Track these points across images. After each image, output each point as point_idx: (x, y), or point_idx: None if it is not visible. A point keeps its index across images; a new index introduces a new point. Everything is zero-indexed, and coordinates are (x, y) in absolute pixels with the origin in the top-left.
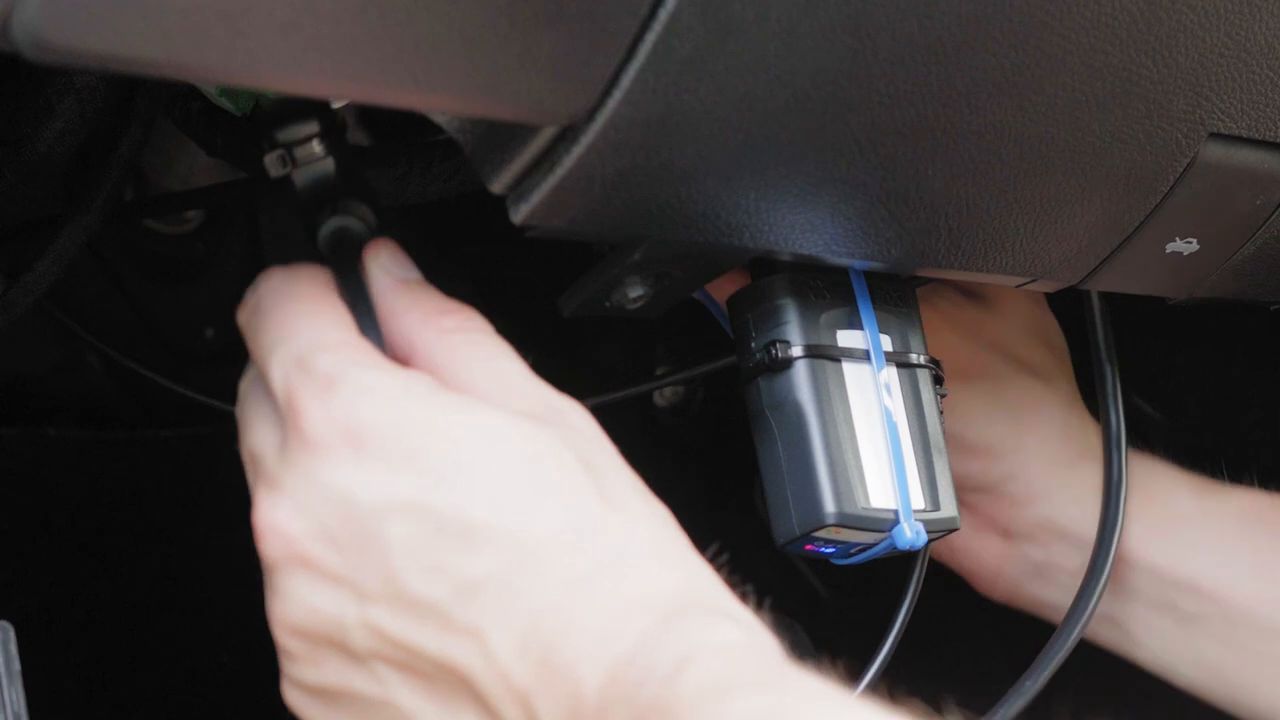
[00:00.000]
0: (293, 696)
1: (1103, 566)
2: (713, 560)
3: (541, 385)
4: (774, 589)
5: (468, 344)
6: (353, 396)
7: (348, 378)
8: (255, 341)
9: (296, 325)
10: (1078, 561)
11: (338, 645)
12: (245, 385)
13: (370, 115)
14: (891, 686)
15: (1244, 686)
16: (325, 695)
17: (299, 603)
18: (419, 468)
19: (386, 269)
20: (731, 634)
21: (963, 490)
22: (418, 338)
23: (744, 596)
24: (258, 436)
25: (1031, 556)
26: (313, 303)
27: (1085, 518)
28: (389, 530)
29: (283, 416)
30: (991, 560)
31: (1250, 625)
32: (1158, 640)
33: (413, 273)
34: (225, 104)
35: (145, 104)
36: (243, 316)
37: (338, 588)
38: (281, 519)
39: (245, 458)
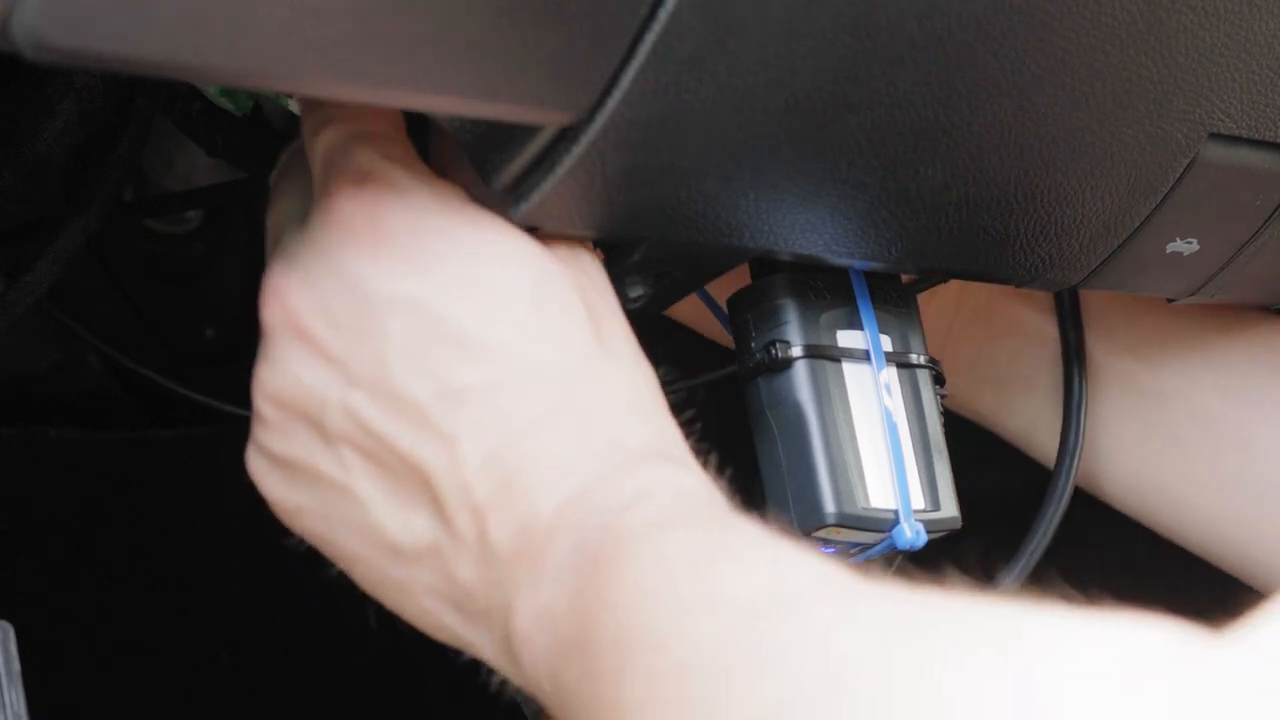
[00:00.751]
0: (255, 463)
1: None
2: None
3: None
4: None
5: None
6: (384, 192)
7: (384, 173)
8: (309, 117)
9: (351, 110)
10: None
11: (313, 422)
12: (286, 156)
13: None
14: None
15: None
16: (287, 468)
17: (286, 372)
18: (432, 272)
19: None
20: (689, 481)
21: None
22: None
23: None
24: (285, 207)
25: None
26: (359, 115)
27: None
28: (390, 323)
29: (315, 194)
30: None
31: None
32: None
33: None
34: (225, 104)
35: (145, 104)
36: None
37: (327, 366)
38: (289, 288)
39: (269, 226)
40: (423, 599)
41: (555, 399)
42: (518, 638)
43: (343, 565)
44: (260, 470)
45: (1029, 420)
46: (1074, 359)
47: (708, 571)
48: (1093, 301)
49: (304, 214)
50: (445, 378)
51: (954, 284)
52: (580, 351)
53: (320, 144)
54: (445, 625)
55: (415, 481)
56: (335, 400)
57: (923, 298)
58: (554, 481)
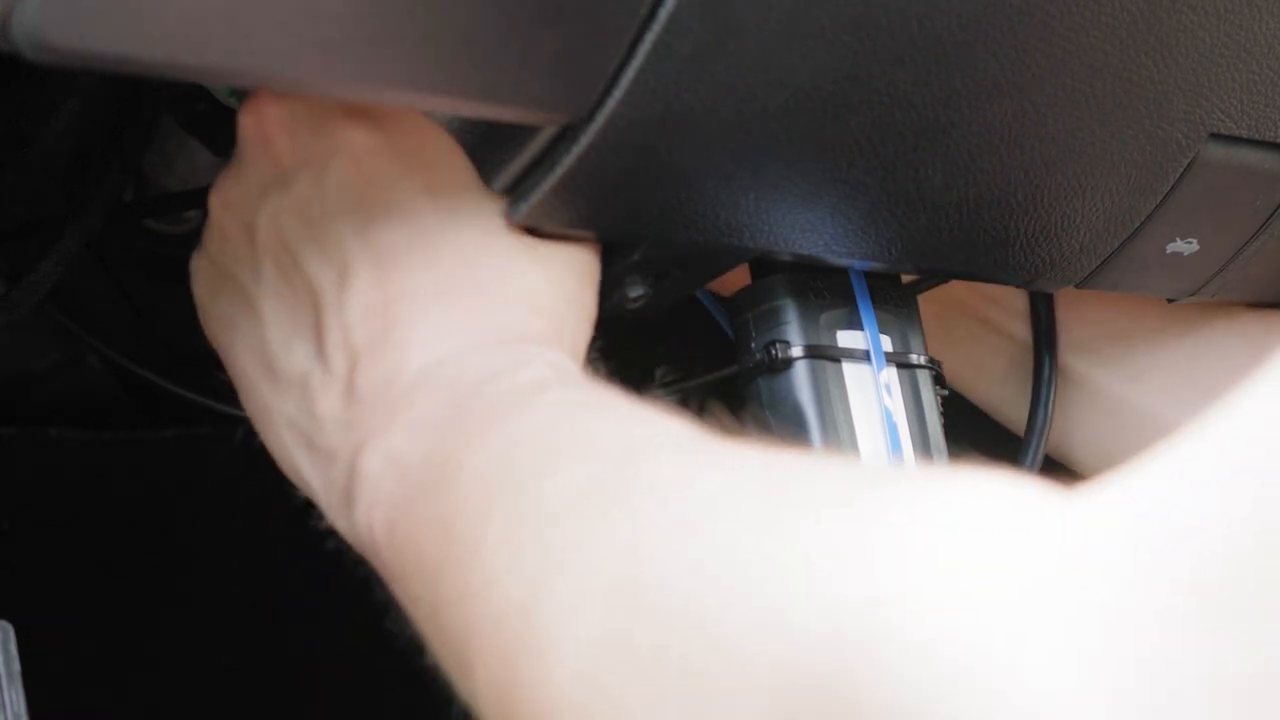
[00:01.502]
0: (196, 264)
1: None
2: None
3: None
4: None
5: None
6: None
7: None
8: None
9: None
10: None
11: (247, 229)
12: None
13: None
14: None
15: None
16: (217, 272)
17: (240, 178)
18: (393, 134)
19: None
20: (566, 362)
21: None
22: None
23: None
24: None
25: None
26: None
27: None
28: (340, 158)
29: None
30: None
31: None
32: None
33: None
34: (234, 104)
35: (148, 104)
36: None
37: (274, 176)
38: (269, 101)
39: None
40: (282, 430)
41: (460, 275)
42: (360, 477)
43: (231, 376)
44: (198, 272)
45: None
46: (1045, 360)
47: (579, 423)
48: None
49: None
50: (367, 223)
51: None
52: (500, 243)
53: None
54: (294, 461)
55: (308, 307)
56: (269, 210)
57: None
58: (432, 342)
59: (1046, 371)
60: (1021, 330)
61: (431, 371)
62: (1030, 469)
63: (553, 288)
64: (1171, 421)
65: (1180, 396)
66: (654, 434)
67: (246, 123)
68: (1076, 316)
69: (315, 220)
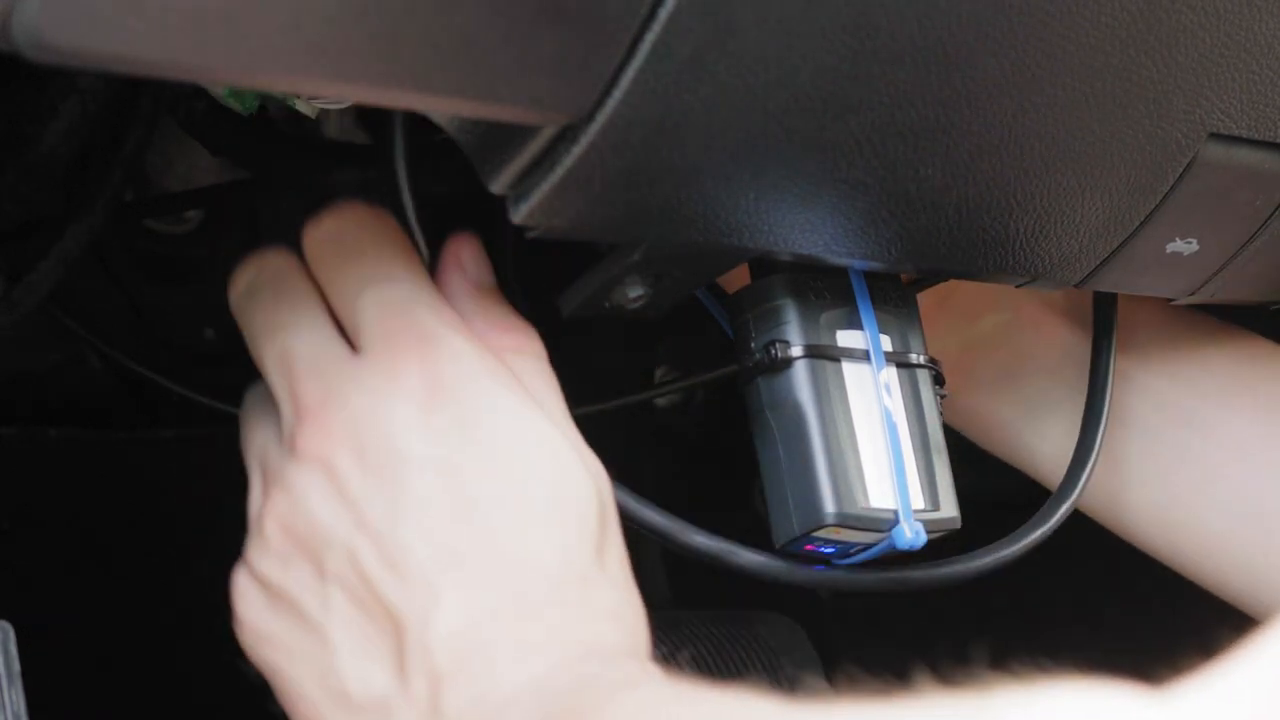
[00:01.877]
0: (242, 581)
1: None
2: None
3: (573, 429)
4: (774, 589)
5: (517, 368)
6: (447, 356)
7: (445, 338)
8: (342, 270)
9: (392, 269)
10: None
11: (313, 557)
12: (252, 393)
13: (369, 114)
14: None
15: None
16: (272, 595)
17: (303, 503)
18: (468, 446)
19: (464, 268)
20: (648, 668)
21: None
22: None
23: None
24: (261, 436)
25: None
26: (398, 248)
27: None
28: (416, 480)
29: (364, 344)
30: None
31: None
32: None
33: (488, 277)
34: (232, 104)
35: (149, 104)
36: (313, 248)
37: (342, 504)
38: (333, 420)
39: (249, 455)
40: None
41: (542, 592)
42: None
43: (285, 699)
44: (243, 588)
45: (1047, 442)
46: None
47: (672, 713)
48: (1126, 320)
49: (344, 353)
50: (447, 541)
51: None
52: (578, 560)
53: (370, 303)
54: None
55: (388, 632)
56: (342, 541)
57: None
58: (520, 661)
59: (1104, 367)
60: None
61: (523, 687)
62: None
63: (628, 600)
64: (1218, 424)
65: (1230, 400)
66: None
67: (308, 442)
68: (1125, 316)
69: (394, 547)
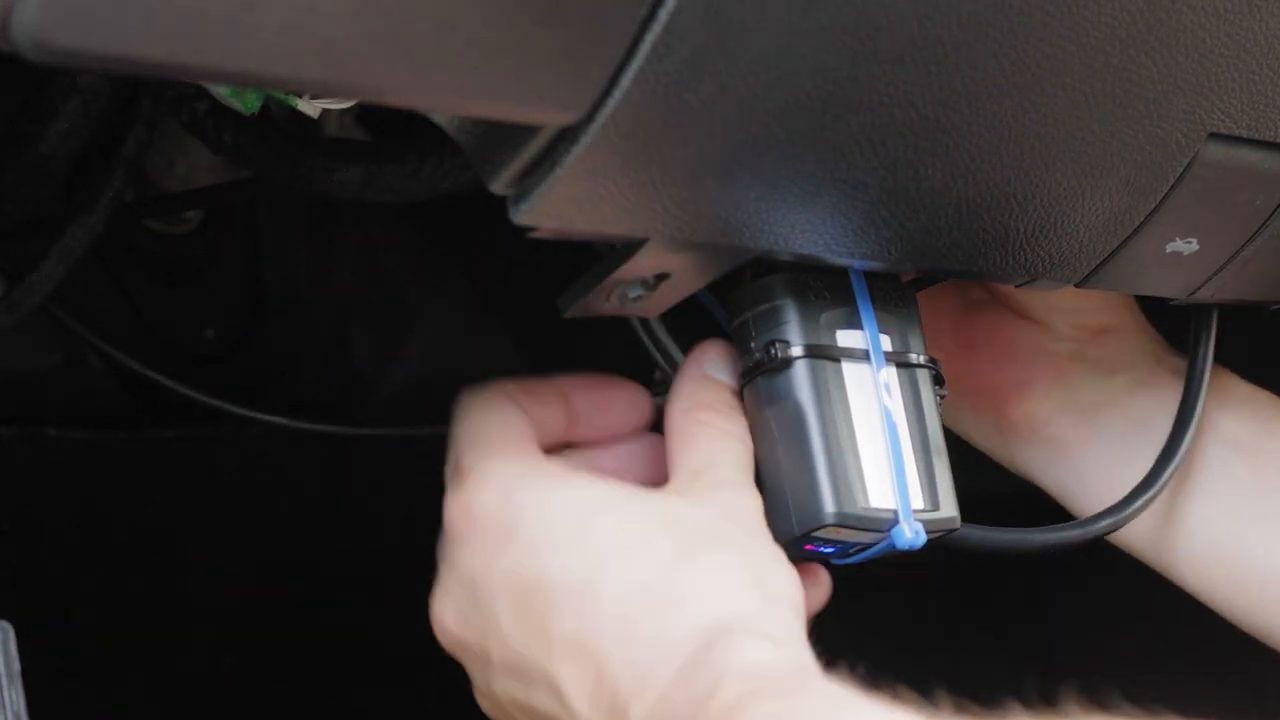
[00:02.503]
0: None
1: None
2: None
3: (744, 486)
4: None
5: (702, 433)
6: (474, 484)
7: (475, 468)
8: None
9: (467, 429)
10: None
11: (496, 706)
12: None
13: (368, 114)
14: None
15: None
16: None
17: (475, 676)
18: (517, 543)
19: (699, 361)
20: (762, 653)
21: None
22: (675, 413)
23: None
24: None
25: None
26: (488, 408)
27: None
28: (497, 604)
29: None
30: None
31: None
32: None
33: (722, 374)
34: (234, 103)
35: (150, 104)
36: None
37: (480, 661)
38: (438, 612)
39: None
40: None
41: (631, 614)
42: None
43: None
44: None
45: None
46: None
47: None
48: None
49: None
50: (544, 633)
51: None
52: (653, 564)
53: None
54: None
55: None
56: (493, 687)
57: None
58: (640, 693)
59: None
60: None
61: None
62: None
63: (721, 568)
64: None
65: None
66: None
67: (441, 638)
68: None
69: (513, 664)
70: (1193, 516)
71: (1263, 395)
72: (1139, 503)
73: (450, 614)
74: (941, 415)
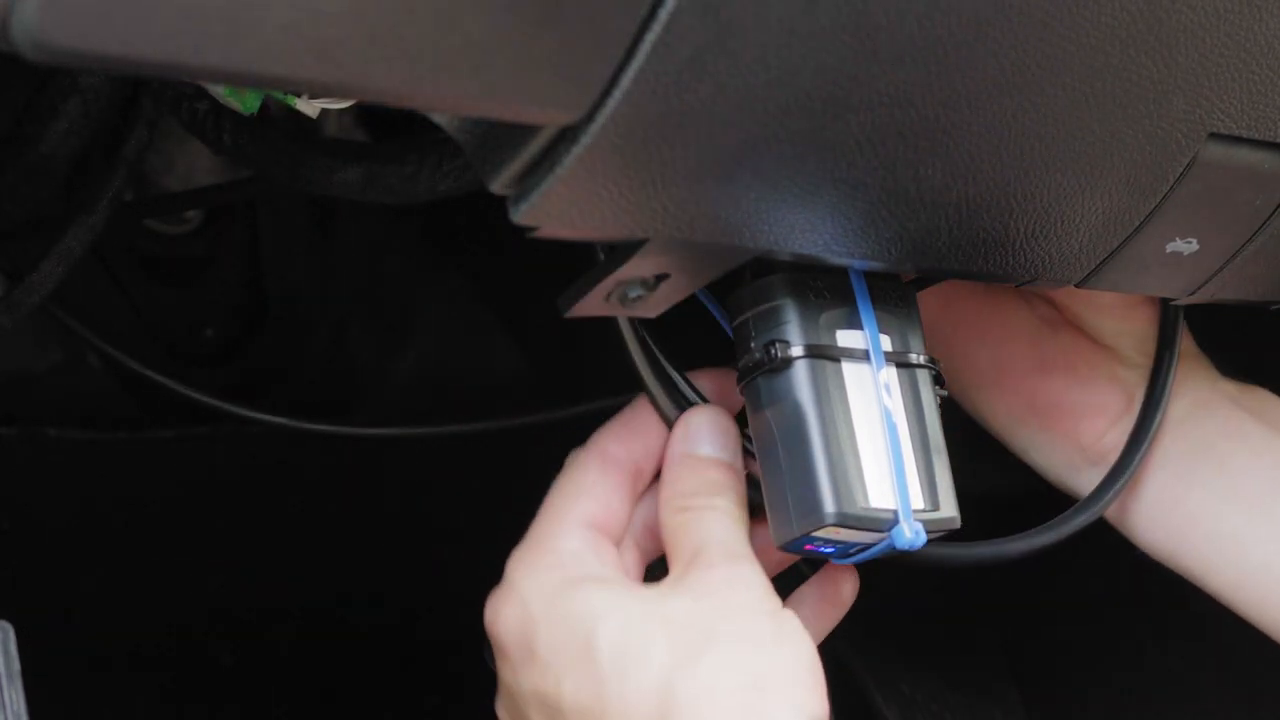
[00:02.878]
0: None
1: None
2: None
3: (736, 558)
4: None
5: (689, 520)
6: (502, 597)
7: (507, 578)
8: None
9: (544, 506)
10: None
11: None
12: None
13: (369, 114)
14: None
15: None
16: None
17: None
18: (536, 662)
19: (682, 439)
20: None
21: None
22: (661, 508)
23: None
24: None
25: None
26: (561, 483)
27: None
28: (531, 715)
29: None
30: None
31: None
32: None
33: (705, 447)
34: (233, 103)
35: (150, 104)
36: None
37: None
38: (498, 710)
39: None
40: None
41: (638, 716)
42: None
43: None
44: None
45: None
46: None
47: None
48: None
49: None
50: None
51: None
52: (650, 682)
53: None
54: None
55: None
56: None
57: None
58: None
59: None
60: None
61: None
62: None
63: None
64: None
65: None
66: None
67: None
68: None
69: None
70: (1144, 481)
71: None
72: (1109, 495)
73: (503, 716)
74: (942, 415)
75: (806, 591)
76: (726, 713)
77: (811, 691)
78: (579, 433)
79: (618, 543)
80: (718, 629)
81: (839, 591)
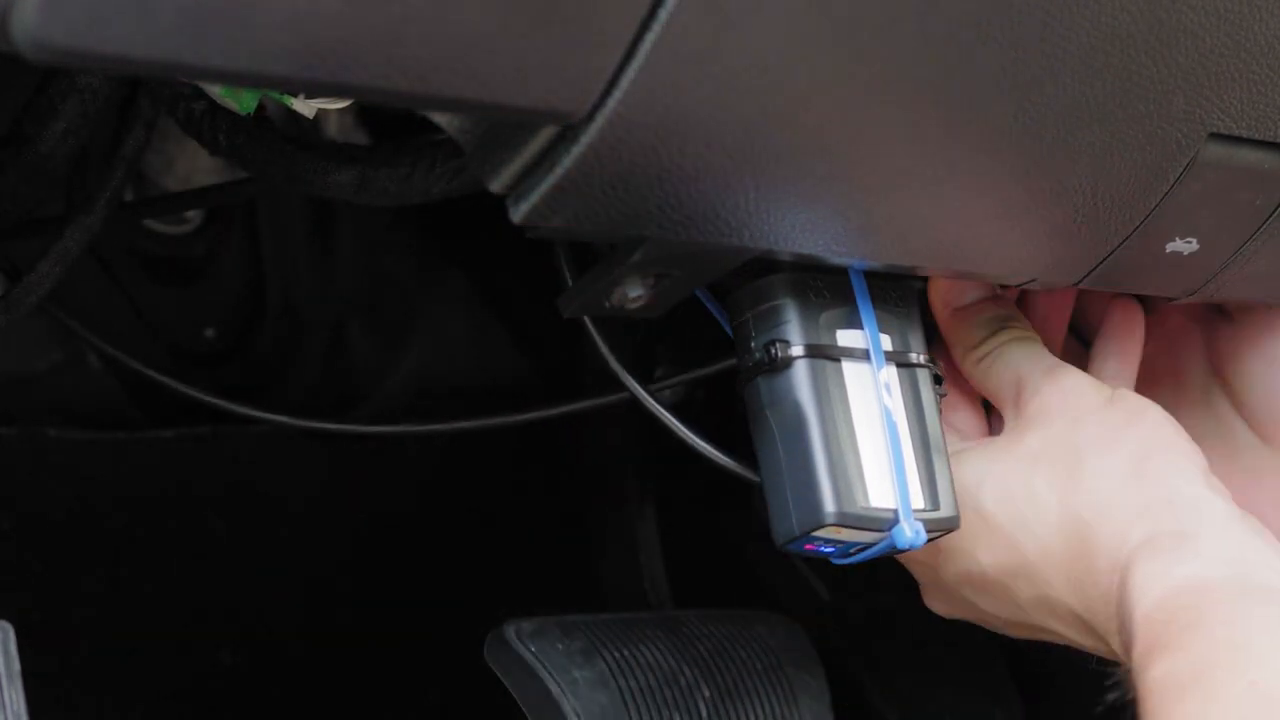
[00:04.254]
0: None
1: None
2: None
3: (1075, 386)
4: (774, 589)
5: (996, 362)
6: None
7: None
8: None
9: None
10: None
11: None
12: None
13: (370, 115)
14: (891, 686)
15: None
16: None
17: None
18: (946, 549)
19: (942, 303)
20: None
21: None
22: (963, 370)
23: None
24: None
25: None
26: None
27: None
28: (965, 595)
29: None
30: None
31: None
32: None
33: (970, 295)
34: (229, 103)
35: (148, 104)
36: None
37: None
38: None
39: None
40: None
41: (1137, 529)
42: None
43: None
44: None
45: None
46: None
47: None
48: None
49: None
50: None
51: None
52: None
53: None
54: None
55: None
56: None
57: None
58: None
59: None
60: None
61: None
62: None
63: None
64: None
65: None
66: None
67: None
68: None
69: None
70: None
71: None
72: None
73: (936, 607)
74: (941, 414)
75: (1106, 347)
76: (1131, 507)
77: (1182, 447)
78: (579, 431)
79: (963, 428)
80: (1076, 440)
81: (1132, 333)
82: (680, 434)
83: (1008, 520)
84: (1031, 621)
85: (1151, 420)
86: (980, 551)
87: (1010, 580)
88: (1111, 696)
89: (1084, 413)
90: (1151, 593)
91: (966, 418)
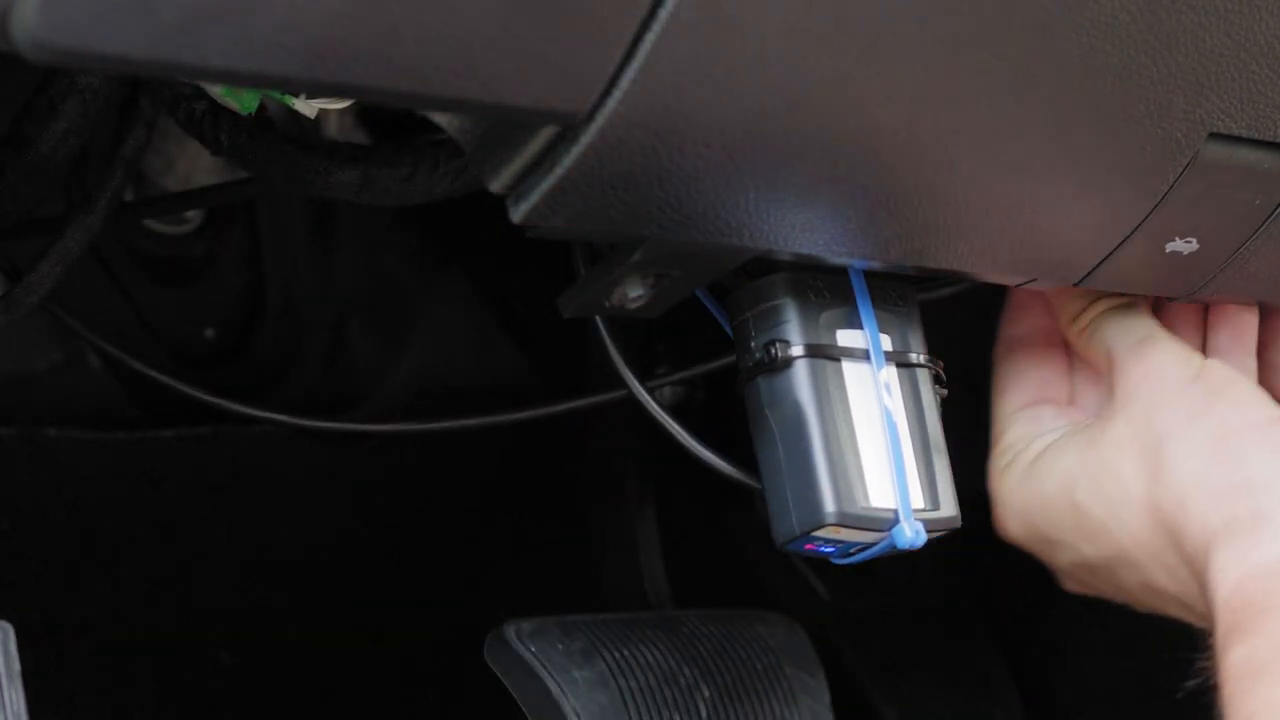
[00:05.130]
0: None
1: None
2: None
3: (1160, 363)
4: (774, 589)
5: (1093, 334)
6: (1001, 518)
7: (995, 497)
8: None
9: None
10: None
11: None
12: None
13: (370, 115)
14: (891, 686)
15: None
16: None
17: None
18: (1056, 542)
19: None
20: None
21: None
22: (1070, 341)
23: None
24: None
25: None
26: None
27: None
28: (1087, 580)
29: None
30: None
31: None
32: None
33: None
34: (230, 103)
35: (148, 104)
36: None
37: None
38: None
39: None
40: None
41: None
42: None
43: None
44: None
45: None
46: None
47: None
48: None
49: None
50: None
51: None
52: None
53: None
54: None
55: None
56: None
57: None
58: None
59: None
60: None
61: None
62: None
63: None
64: None
65: None
66: None
67: None
68: None
69: None
70: None
71: None
72: None
73: (1073, 588)
74: (941, 415)
75: (1221, 317)
76: (1209, 492)
77: (1263, 424)
78: (579, 430)
79: (1069, 400)
80: (1156, 426)
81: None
82: (681, 440)
83: (1101, 513)
84: (1147, 603)
85: (1232, 397)
86: (1082, 544)
87: (1116, 568)
88: (1192, 683)
89: (1166, 394)
90: (1229, 577)
91: (1093, 393)
